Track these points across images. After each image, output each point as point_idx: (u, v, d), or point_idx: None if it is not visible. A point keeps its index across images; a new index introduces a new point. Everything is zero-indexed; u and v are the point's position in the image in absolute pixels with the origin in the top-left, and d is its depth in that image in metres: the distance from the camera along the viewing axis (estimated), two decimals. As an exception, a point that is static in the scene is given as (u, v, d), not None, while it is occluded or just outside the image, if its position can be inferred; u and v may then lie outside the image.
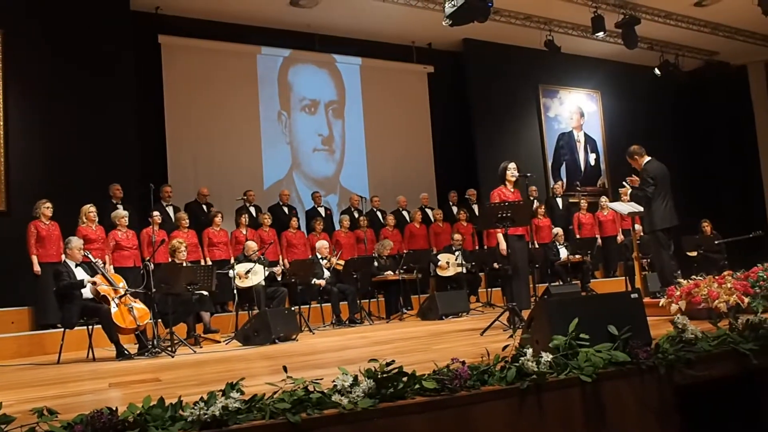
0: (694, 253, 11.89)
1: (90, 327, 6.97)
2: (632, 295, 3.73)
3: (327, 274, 9.72)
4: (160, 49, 11.71)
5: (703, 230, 12.38)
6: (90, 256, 7.19)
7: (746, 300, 5.40)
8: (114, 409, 2.50)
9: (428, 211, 12.61)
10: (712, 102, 16.43)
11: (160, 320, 7.49)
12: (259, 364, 5.37)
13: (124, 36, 10.76)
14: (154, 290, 7.15)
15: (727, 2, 12.98)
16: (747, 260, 7.16)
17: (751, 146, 16.44)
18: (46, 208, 8.58)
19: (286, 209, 11.58)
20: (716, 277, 5.86)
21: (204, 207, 10.83)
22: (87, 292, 6.83)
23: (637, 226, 8.74)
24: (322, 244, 10.16)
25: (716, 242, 12.02)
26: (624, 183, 7.65)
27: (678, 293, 5.78)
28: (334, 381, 2.79)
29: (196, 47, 12.05)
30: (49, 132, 9.90)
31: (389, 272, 10.33)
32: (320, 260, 9.86)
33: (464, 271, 10.88)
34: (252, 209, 11.12)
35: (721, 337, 3.63)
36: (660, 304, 5.92)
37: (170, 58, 11.82)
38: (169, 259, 8.35)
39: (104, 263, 8.02)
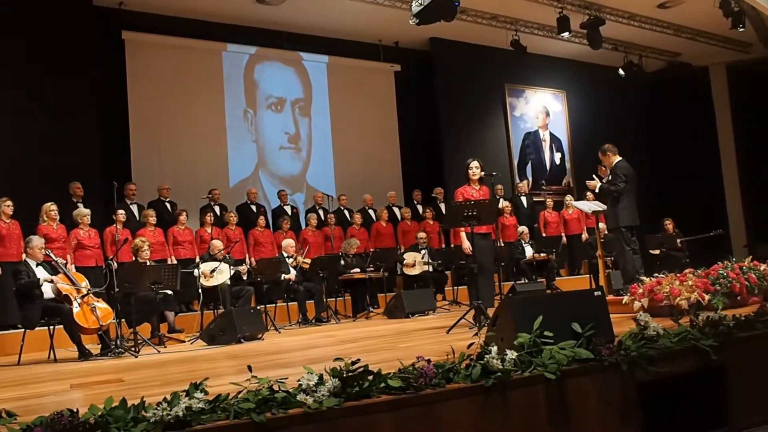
0: (657, 251, 12.08)
1: (51, 327, 6.84)
2: (596, 293, 3.78)
3: (294, 272, 9.68)
4: (124, 46, 11.52)
5: (666, 229, 12.57)
6: (52, 255, 7.07)
7: (707, 297, 5.50)
8: (75, 410, 2.47)
9: (396, 209, 12.63)
10: (674, 102, 16.66)
11: (123, 320, 7.38)
12: (224, 364, 5.33)
13: (87, 32, 10.58)
14: (117, 289, 7.05)
15: (689, 4, 13.18)
16: (708, 258, 7.29)
17: (712, 146, 16.71)
18: (7, 206, 8.38)
19: (254, 207, 11.52)
20: (678, 275, 5.95)
21: (167, 205, 10.70)
22: (49, 292, 6.71)
23: (601, 225, 8.84)
24: (289, 243, 10.12)
25: (678, 240, 12.22)
26: (593, 176, 7.75)
27: (641, 291, 5.87)
28: (299, 380, 2.79)
29: (160, 44, 11.89)
30: (9, 129, 9.66)
31: (356, 271, 10.32)
32: (287, 258, 9.82)
33: (430, 269, 10.91)
34: (217, 208, 11.03)
35: (682, 334, 3.69)
36: (623, 302, 6.01)
37: (134, 55, 11.64)
38: (133, 258, 8.25)
39: (66, 262, 7.89)
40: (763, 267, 6.29)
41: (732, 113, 16.74)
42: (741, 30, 12.86)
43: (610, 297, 6.15)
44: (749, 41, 15.43)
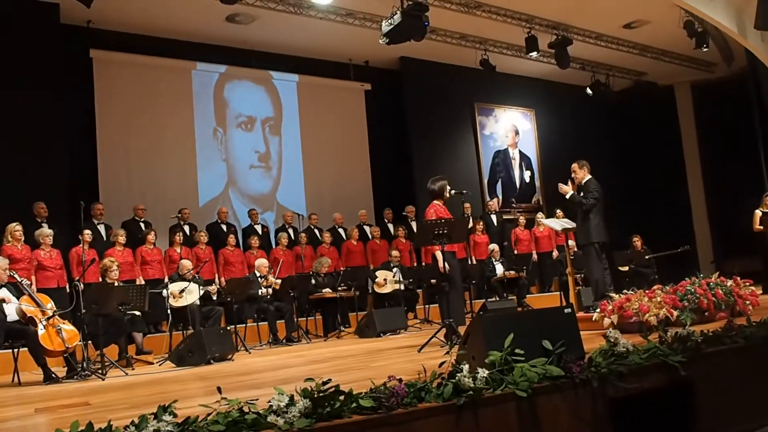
0: (626, 268, 12.20)
1: (15, 350, 6.69)
2: (566, 310, 3.79)
3: (265, 291, 9.60)
4: (92, 64, 11.42)
5: (634, 245, 12.70)
6: (16, 276, 6.93)
7: (675, 313, 5.56)
8: (38, 436, 2.41)
9: (366, 228, 12.61)
10: (641, 120, 16.93)
11: (89, 342, 7.25)
12: (194, 386, 5.25)
13: (54, 49, 10.48)
14: (83, 311, 6.93)
15: (654, 25, 13.45)
16: (676, 274, 7.38)
17: (678, 163, 17.00)
18: (-30, 226, 8.24)
19: (224, 227, 11.43)
20: (646, 292, 6.01)
21: (141, 225, 10.57)
22: (13, 314, 6.56)
23: (571, 242, 8.91)
24: (262, 263, 10.03)
25: (646, 257, 12.36)
26: (568, 182, 7.81)
27: (610, 307, 5.91)
28: (269, 401, 2.75)
29: (129, 62, 11.80)
30: (-27, 148, 9.54)
31: (327, 290, 10.27)
32: (258, 278, 9.73)
33: (402, 287, 10.90)
34: (186, 227, 10.92)
35: (651, 350, 3.72)
36: (593, 318, 6.04)
37: (102, 73, 11.54)
38: (100, 279, 8.11)
39: (31, 283, 7.74)
40: (729, 283, 6.39)
41: (697, 131, 17.07)
42: (705, 50, 13.14)
43: (580, 314, 6.19)
44: (713, 61, 15.79)
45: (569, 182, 7.81)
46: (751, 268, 9.61)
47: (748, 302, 6.29)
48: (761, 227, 10.15)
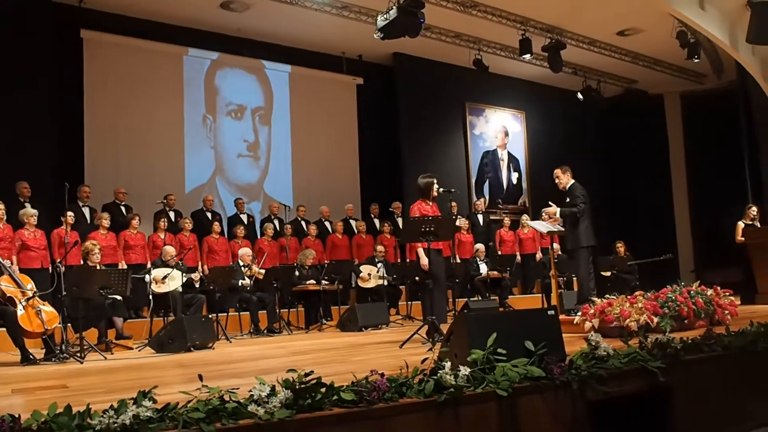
0: (608, 273, 12.26)
1: (-7, 329, 6.65)
2: (549, 312, 3.80)
3: (248, 281, 9.58)
4: (82, 44, 11.32)
5: (617, 251, 12.78)
6: (-4, 255, 6.88)
7: (655, 320, 5.60)
8: (17, 416, 2.39)
9: (352, 222, 12.61)
10: (629, 128, 17.03)
11: (69, 324, 7.20)
12: (173, 372, 5.23)
13: (44, 28, 10.39)
14: (64, 293, 6.88)
15: (648, 33, 13.52)
16: (657, 282, 7.43)
17: (664, 172, 17.13)
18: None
19: (209, 215, 11.39)
20: (628, 297, 6.05)
21: (122, 208, 10.51)
22: (-8, 294, 6.51)
23: (555, 245, 8.94)
24: (245, 252, 10.01)
25: (629, 263, 12.44)
26: (549, 203, 7.86)
27: (592, 311, 5.94)
28: (250, 391, 2.74)
29: (120, 44, 11.71)
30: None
31: (310, 282, 10.26)
32: (242, 267, 9.71)
33: (385, 283, 10.91)
34: (171, 213, 10.86)
35: (631, 355, 3.74)
36: (575, 322, 6.07)
37: (93, 54, 11.44)
38: (82, 262, 8.06)
39: (11, 264, 7.67)
40: (710, 292, 6.43)
41: (684, 142, 17.21)
42: (696, 61, 13.23)
43: (562, 317, 6.20)
44: (704, 72, 15.91)
45: (550, 203, 7.86)
46: (731, 279, 9.68)
47: (727, 312, 6.34)
48: (743, 239, 10.24)
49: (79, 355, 6.45)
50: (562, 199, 7.85)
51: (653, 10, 11.76)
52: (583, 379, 3.41)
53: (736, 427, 4.10)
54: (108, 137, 11.50)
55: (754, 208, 10.67)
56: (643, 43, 14.17)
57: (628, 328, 5.46)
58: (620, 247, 12.83)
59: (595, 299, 6.22)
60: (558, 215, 7.66)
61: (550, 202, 7.90)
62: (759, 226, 10.38)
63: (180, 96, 12.44)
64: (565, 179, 7.83)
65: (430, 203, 7.10)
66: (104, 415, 2.46)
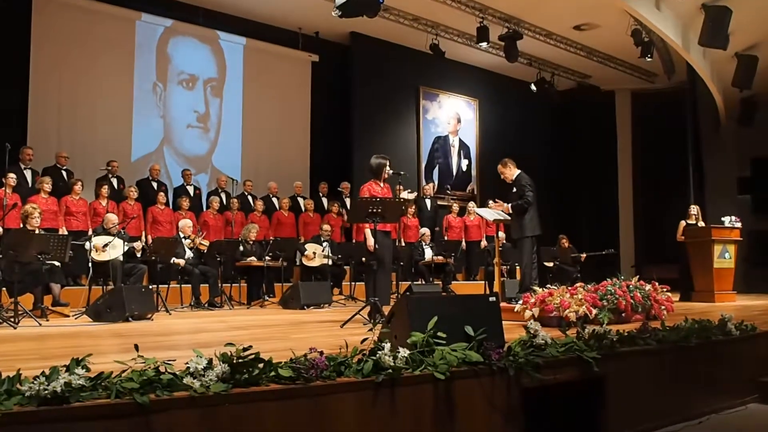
0: (551, 264, 12.46)
1: None
2: (490, 299, 3.83)
3: (189, 254, 9.45)
4: (31, 2, 10.93)
5: (561, 244, 12.98)
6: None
7: (594, 311, 5.70)
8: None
9: (300, 200, 12.53)
10: (580, 122, 17.28)
11: (4, 288, 7.00)
12: (109, 342, 5.13)
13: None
14: (0, 256, 6.67)
15: (603, 29, 13.70)
16: (597, 275, 7.57)
17: (611, 169, 17.44)
18: None
19: (155, 184, 11.18)
20: (569, 288, 6.14)
21: (63, 173, 10.23)
22: None
23: (501, 234, 9.04)
24: (186, 223, 9.86)
25: (572, 256, 12.66)
26: (495, 200, 7.94)
27: (533, 300, 6.02)
28: (187, 363, 2.69)
29: (71, 4, 11.34)
30: None
31: (253, 258, 10.17)
32: (183, 239, 9.56)
33: (330, 263, 10.88)
34: (114, 180, 10.62)
35: (568, 345, 3.80)
36: (515, 310, 6.15)
37: (41, 11, 11.04)
38: (21, 225, 7.83)
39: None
40: (648, 287, 6.58)
41: (632, 139, 17.56)
42: (649, 60, 13.45)
43: (503, 304, 6.27)
44: (655, 72, 16.21)
45: (497, 200, 7.94)
46: (669, 275, 9.96)
47: (663, 307, 6.50)
48: (683, 237, 10.51)
49: (12, 320, 6.27)
50: (509, 189, 7.92)
51: (610, 6, 11.90)
52: (519, 366, 3.45)
53: (666, 419, 4.21)
54: (53, 98, 11.15)
55: (696, 208, 10.96)
56: (598, 38, 14.35)
57: (566, 319, 5.55)
58: (564, 240, 13.01)
59: (537, 289, 6.30)
60: (512, 211, 7.73)
61: (496, 199, 7.99)
62: (701, 225, 10.66)
63: (131, 62, 12.11)
64: (509, 172, 7.91)
65: (382, 185, 7.08)
66: (35, 382, 2.39)
